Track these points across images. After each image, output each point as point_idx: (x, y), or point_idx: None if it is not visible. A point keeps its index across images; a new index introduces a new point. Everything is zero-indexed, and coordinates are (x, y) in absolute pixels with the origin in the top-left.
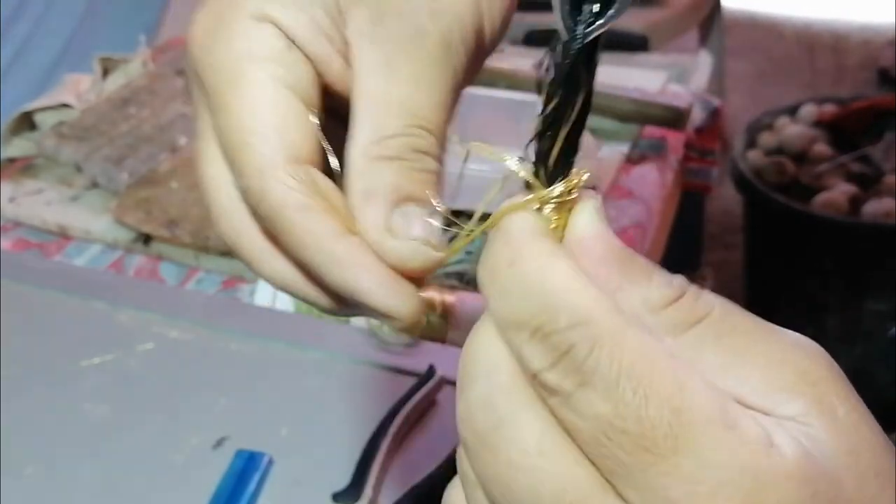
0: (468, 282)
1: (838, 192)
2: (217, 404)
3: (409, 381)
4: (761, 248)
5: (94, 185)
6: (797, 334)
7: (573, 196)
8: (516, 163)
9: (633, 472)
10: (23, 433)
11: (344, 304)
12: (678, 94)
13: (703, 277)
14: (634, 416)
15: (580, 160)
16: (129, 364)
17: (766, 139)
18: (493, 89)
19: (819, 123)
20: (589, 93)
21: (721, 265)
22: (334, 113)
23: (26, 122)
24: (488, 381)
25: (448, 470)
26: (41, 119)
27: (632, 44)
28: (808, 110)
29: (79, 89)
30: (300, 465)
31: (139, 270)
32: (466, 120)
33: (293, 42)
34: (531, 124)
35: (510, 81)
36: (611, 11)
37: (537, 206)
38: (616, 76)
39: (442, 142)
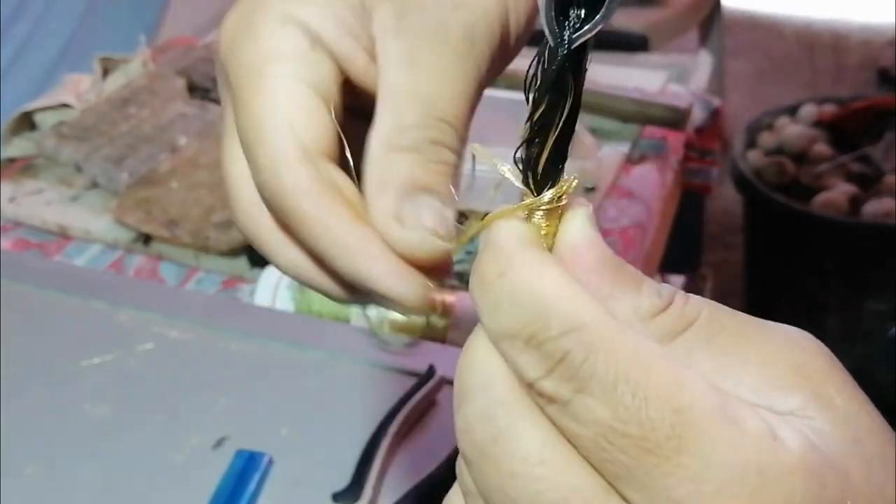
0: (468, 282)
1: (838, 192)
2: (217, 404)
3: (409, 381)
4: (761, 248)
5: (94, 185)
6: (789, 327)
7: (563, 203)
8: (510, 169)
9: (636, 475)
10: (23, 433)
11: (355, 292)
12: (678, 94)
13: (703, 277)
14: (635, 419)
15: (581, 162)
16: (129, 364)
17: (766, 139)
18: (493, 89)
19: (819, 123)
20: (577, 99)
21: (721, 265)
22: (360, 112)
23: (26, 122)
24: (485, 394)
25: (448, 470)
26: (41, 119)
27: (632, 44)
28: (808, 110)
29: (79, 89)
30: (300, 465)
31: (139, 270)
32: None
33: (319, 40)
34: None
35: (510, 81)
36: (597, 17)
37: (526, 213)
38: (616, 76)
39: (462, 136)
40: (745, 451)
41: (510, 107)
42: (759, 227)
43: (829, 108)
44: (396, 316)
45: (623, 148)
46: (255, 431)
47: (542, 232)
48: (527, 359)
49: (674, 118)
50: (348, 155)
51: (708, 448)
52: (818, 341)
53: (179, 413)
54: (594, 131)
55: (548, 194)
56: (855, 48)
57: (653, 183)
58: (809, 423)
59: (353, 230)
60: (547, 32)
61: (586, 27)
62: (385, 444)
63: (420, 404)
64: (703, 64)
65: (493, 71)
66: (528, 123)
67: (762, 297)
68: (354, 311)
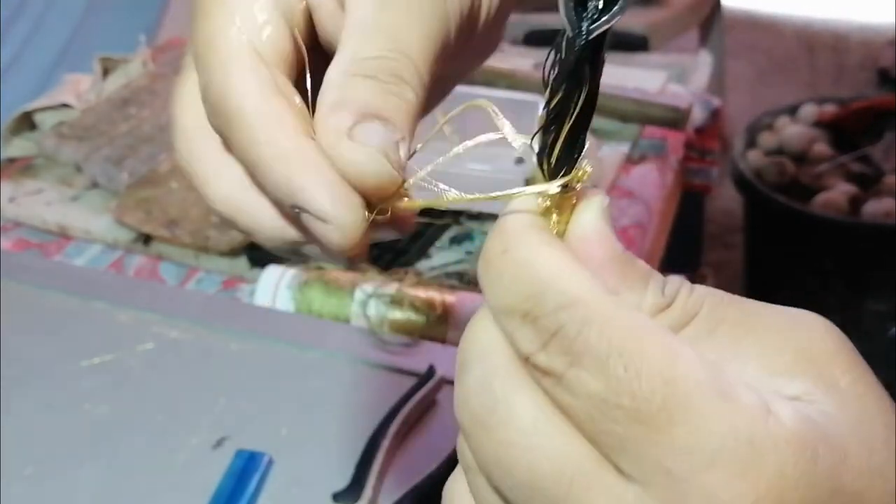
0: (468, 282)
1: (838, 192)
2: (217, 404)
3: (409, 381)
4: (761, 248)
5: (94, 185)
6: (796, 310)
7: (576, 191)
8: (517, 136)
9: (629, 446)
10: (23, 433)
11: (285, 229)
12: (678, 94)
13: (704, 277)
14: (627, 391)
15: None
16: (129, 364)
17: (766, 139)
18: (493, 89)
19: (819, 123)
20: (593, 89)
21: (721, 265)
22: (320, 60)
23: (26, 122)
24: (483, 365)
25: (448, 470)
26: (41, 119)
27: (632, 44)
28: (808, 110)
29: (79, 89)
30: (300, 465)
31: (139, 270)
32: (466, 120)
33: None
34: (531, 123)
35: (510, 81)
36: (615, 7)
37: (538, 199)
38: (616, 76)
39: (423, 81)
40: (736, 422)
41: (510, 107)
42: (759, 227)
43: (829, 108)
44: (395, 315)
45: (623, 148)
46: (255, 431)
47: (555, 219)
48: (523, 333)
49: (674, 118)
50: (308, 87)
51: (699, 420)
52: (828, 323)
53: (179, 413)
54: (594, 131)
55: (556, 183)
56: (855, 48)
57: (653, 183)
58: (814, 407)
59: (296, 139)
60: (565, 22)
61: (604, 17)
62: (385, 444)
63: (420, 404)
64: (703, 64)
65: (460, 39)
66: (545, 110)
67: (762, 298)
68: (354, 311)
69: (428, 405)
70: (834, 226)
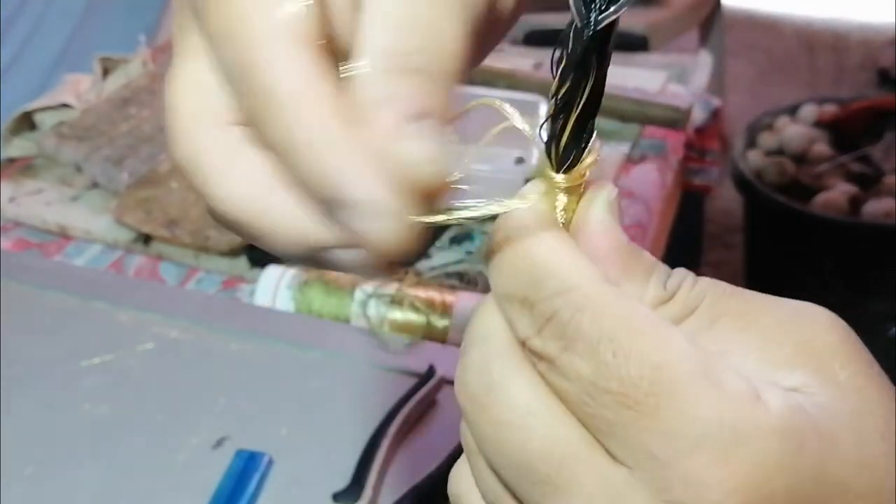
0: (468, 282)
1: (838, 192)
2: (217, 404)
3: (409, 381)
4: (761, 248)
5: (94, 185)
6: (800, 303)
7: (583, 182)
8: (522, 120)
9: (617, 430)
10: (23, 433)
11: (319, 223)
12: (678, 94)
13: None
14: (616, 375)
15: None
16: (129, 364)
17: (766, 139)
18: (493, 89)
19: (819, 123)
20: (601, 79)
21: (721, 265)
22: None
23: (26, 122)
24: (484, 348)
25: (448, 470)
26: (41, 119)
27: (632, 44)
28: (808, 110)
29: (79, 89)
30: (300, 465)
31: (139, 270)
32: (465, 121)
33: None
34: (532, 123)
35: (510, 81)
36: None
37: (544, 189)
38: (616, 76)
39: (462, 75)
40: (721, 409)
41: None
42: (759, 228)
43: (830, 109)
44: (395, 315)
45: (623, 148)
46: (255, 431)
47: (560, 208)
48: (521, 317)
49: (674, 118)
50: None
51: (685, 405)
52: (833, 316)
53: (179, 413)
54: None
55: (568, 172)
56: (855, 48)
57: (653, 183)
58: (810, 398)
59: (347, 126)
60: (574, 13)
61: (612, 8)
62: (385, 444)
63: (420, 404)
64: (703, 64)
65: (485, 29)
66: (553, 100)
67: None
68: (354, 312)
69: (428, 405)
70: (834, 226)
